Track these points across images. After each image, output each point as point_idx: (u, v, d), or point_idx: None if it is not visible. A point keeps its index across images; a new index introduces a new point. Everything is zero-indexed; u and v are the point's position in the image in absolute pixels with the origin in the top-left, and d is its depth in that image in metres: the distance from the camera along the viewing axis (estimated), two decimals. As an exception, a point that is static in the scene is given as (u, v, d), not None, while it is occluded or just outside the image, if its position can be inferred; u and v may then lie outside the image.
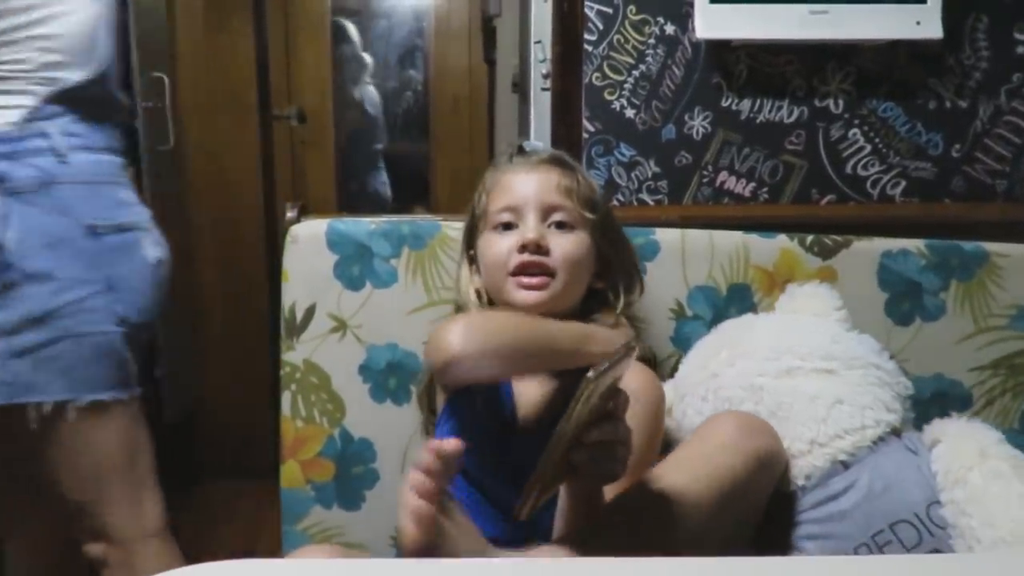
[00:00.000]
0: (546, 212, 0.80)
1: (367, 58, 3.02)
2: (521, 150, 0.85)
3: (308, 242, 0.94)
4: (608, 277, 0.84)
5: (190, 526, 1.97)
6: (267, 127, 2.27)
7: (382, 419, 0.94)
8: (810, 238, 0.95)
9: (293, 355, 0.94)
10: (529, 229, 0.79)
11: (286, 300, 0.94)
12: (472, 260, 0.87)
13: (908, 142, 1.16)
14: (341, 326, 0.94)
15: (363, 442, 0.94)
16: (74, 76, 0.94)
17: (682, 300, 0.94)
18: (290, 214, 1.03)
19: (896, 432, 0.77)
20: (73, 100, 0.94)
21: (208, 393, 2.23)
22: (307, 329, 0.94)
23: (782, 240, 0.96)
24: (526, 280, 0.78)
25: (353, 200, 2.90)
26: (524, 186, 0.81)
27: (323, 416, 0.94)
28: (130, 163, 1.89)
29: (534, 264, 0.78)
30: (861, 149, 1.17)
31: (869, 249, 0.95)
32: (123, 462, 0.99)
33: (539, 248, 0.77)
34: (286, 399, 0.94)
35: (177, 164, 2.11)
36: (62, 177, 0.91)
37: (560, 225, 0.80)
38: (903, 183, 1.17)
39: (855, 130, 1.16)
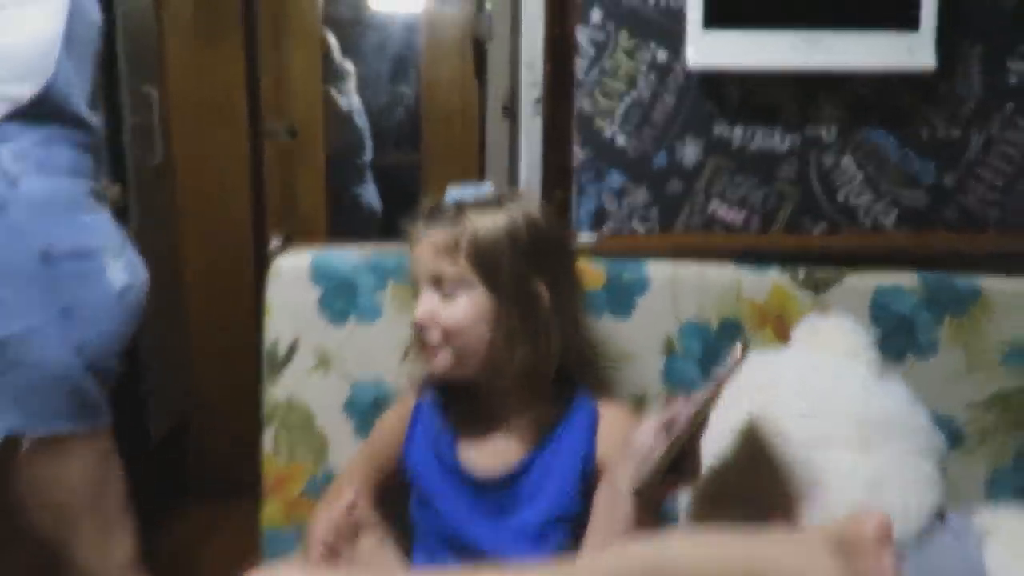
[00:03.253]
0: (434, 282, 0.79)
1: (350, 67, 2.99)
2: (430, 209, 0.82)
3: (291, 275, 0.92)
4: (521, 333, 0.78)
5: (176, 546, 1.94)
6: (257, 142, 2.25)
7: (367, 456, 0.92)
8: (802, 273, 0.94)
9: (276, 391, 0.92)
10: (417, 308, 0.79)
11: (269, 335, 0.92)
12: None
13: (900, 171, 1.15)
14: (325, 361, 0.92)
15: (347, 480, 0.92)
16: (23, 91, 0.90)
17: (672, 336, 0.93)
18: (274, 243, 1.01)
19: (940, 513, 0.70)
20: (29, 119, 0.91)
21: (196, 409, 2.21)
22: (290, 364, 0.92)
23: (774, 275, 0.94)
24: (424, 353, 0.80)
25: (344, 214, 2.88)
26: (416, 258, 0.81)
27: (307, 454, 0.92)
28: (116, 180, 1.89)
29: (424, 340, 0.80)
30: (853, 178, 1.16)
31: (862, 284, 0.94)
32: (89, 498, 0.96)
33: (422, 328, 0.79)
34: (268, 436, 0.92)
35: (165, 180, 2.09)
36: (12, 201, 0.88)
37: (447, 289, 0.78)
38: (896, 212, 1.16)
39: (847, 158, 1.15)
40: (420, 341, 0.80)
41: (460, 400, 0.82)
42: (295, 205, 2.62)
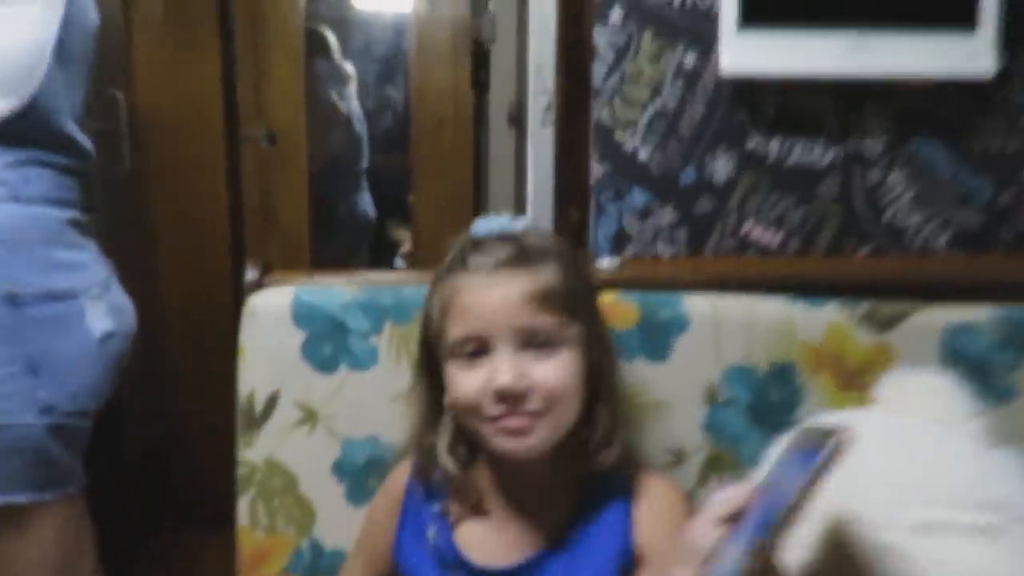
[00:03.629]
0: (520, 337, 0.63)
1: (350, 70, 2.85)
2: (476, 245, 0.66)
3: (269, 316, 0.79)
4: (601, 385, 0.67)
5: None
6: (235, 149, 2.11)
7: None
8: (862, 308, 0.82)
9: (252, 453, 0.78)
10: (502, 370, 0.61)
11: (243, 386, 0.78)
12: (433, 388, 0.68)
13: (953, 188, 1.04)
14: (310, 416, 0.79)
15: (337, 555, 0.79)
16: (1, 105, 0.79)
17: (715, 381, 0.80)
18: (250, 274, 0.87)
19: None
20: (6, 137, 0.80)
21: (174, 430, 2.06)
22: (269, 421, 0.78)
23: (830, 310, 0.82)
24: (505, 425, 0.62)
25: (331, 224, 2.74)
26: (486, 307, 0.62)
27: (289, 524, 0.78)
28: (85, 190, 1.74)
29: (514, 412, 0.62)
30: (901, 195, 1.04)
31: (931, 322, 0.82)
32: (53, 573, 0.84)
33: (515, 397, 0.62)
34: (244, 505, 0.78)
35: (134, 191, 1.95)
36: None
37: (540, 345, 0.63)
38: (947, 233, 1.05)
39: (895, 174, 1.04)
40: (493, 415, 0.62)
41: (468, 474, 0.68)
42: (277, 215, 2.47)
